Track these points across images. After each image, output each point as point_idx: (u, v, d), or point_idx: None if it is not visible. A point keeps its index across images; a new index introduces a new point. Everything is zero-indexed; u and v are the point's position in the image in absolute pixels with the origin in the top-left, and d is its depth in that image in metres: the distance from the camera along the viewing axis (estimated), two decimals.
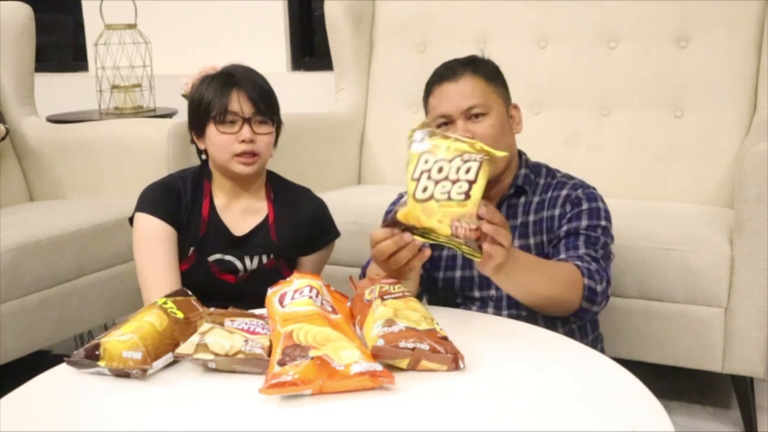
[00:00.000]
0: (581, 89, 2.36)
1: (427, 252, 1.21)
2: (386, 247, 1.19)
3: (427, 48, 2.61)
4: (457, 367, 1.06)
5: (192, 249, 1.56)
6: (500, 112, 1.45)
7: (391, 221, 1.17)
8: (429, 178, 1.12)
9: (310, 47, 3.50)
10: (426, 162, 1.14)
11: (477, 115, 1.43)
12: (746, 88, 2.17)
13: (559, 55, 2.39)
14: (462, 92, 1.44)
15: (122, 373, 1.07)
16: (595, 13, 2.35)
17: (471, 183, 1.11)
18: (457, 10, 2.55)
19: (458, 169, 1.12)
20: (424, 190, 1.12)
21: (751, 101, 2.17)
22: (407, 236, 1.17)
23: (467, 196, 1.11)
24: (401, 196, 1.47)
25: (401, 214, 1.15)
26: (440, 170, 1.12)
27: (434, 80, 1.48)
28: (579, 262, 1.36)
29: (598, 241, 1.42)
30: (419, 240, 1.17)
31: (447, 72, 1.47)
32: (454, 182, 1.12)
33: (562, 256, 1.40)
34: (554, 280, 1.30)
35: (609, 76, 2.32)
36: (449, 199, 1.11)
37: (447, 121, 1.45)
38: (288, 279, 1.22)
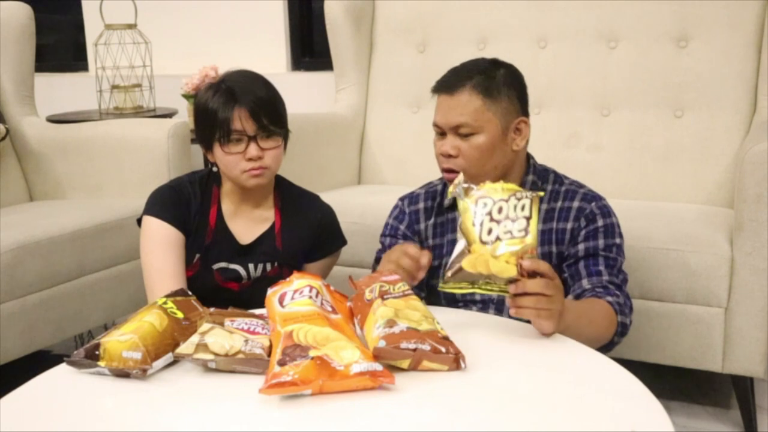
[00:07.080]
0: (581, 89, 2.35)
1: (429, 261, 1.32)
2: (409, 266, 1.30)
3: (427, 48, 2.61)
4: (458, 367, 1.06)
5: (197, 256, 1.55)
6: (493, 131, 1.40)
7: (454, 274, 1.16)
8: (492, 219, 1.16)
9: (310, 47, 3.50)
10: (485, 205, 1.16)
11: (466, 134, 1.41)
12: (746, 88, 2.16)
13: (559, 55, 2.39)
14: (454, 108, 1.41)
15: (122, 373, 1.07)
16: (595, 13, 2.34)
17: (528, 219, 1.16)
18: (457, 10, 2.55)
19: (515, 207, 1.16)
20: (489, 232, 1.15)
21: (751, 101, 2.17)
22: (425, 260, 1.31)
23: (527, 232, 1.15)
24: (393, 232, 1.56)
25: (468, 264, 1.14)
26: (500, 210, 1.16)
27: (435, 87, 1.46)
28: (610, 298, 1.36)
29: (616, 263, 1.42)
30: (479, 293, 1.19)
31: (447, 81, 1.44)
32: (513, 220, 1.16)
33: (585, 282, 1.40)
34: (595, 322, 1.31)
35: (609, 76, 2.32)
36: (512, 237, 1.15)
37: (440, 131, 1.44)
38: (288, 279, 1.22)
